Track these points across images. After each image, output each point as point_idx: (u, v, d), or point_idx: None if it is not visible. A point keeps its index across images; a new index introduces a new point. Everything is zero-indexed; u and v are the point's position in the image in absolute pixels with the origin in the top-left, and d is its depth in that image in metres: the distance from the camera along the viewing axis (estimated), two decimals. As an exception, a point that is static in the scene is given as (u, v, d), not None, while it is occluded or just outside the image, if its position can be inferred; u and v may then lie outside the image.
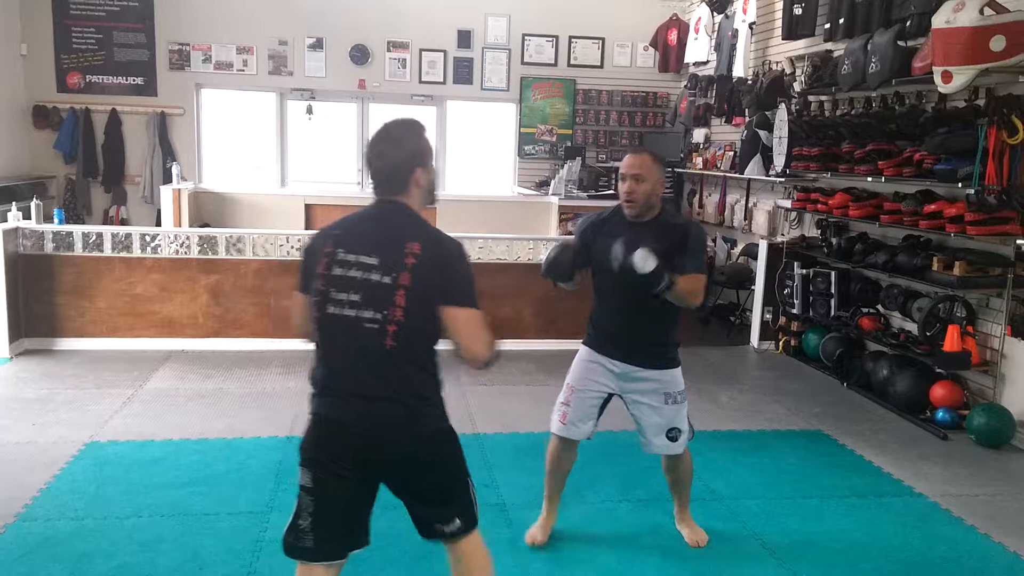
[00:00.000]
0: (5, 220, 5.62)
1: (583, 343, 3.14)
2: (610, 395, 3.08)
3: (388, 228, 2.11)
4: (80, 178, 8.52)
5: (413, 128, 2.18)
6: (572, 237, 3.18)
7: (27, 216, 5.68)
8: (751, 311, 6.75)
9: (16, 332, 5.52)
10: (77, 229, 5.69)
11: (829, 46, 6.05)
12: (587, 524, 3.39)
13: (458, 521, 2.20)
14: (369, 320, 2.05)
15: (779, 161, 6.37)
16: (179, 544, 3.09)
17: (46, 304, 5.63)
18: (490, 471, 3.84)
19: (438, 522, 2.20)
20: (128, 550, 3.04)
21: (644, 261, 2.70)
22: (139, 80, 8.62)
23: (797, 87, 6.43)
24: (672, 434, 3.05)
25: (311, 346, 2.18)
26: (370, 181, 2.19)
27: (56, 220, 5.89)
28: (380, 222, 2.14)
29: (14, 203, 5.92)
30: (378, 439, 2.09)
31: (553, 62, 9.25)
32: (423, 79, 9.06)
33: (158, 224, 8.03)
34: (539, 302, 6.08)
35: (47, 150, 8.47)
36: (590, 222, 3.08)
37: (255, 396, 4.87)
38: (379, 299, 2.05)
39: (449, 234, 2.18)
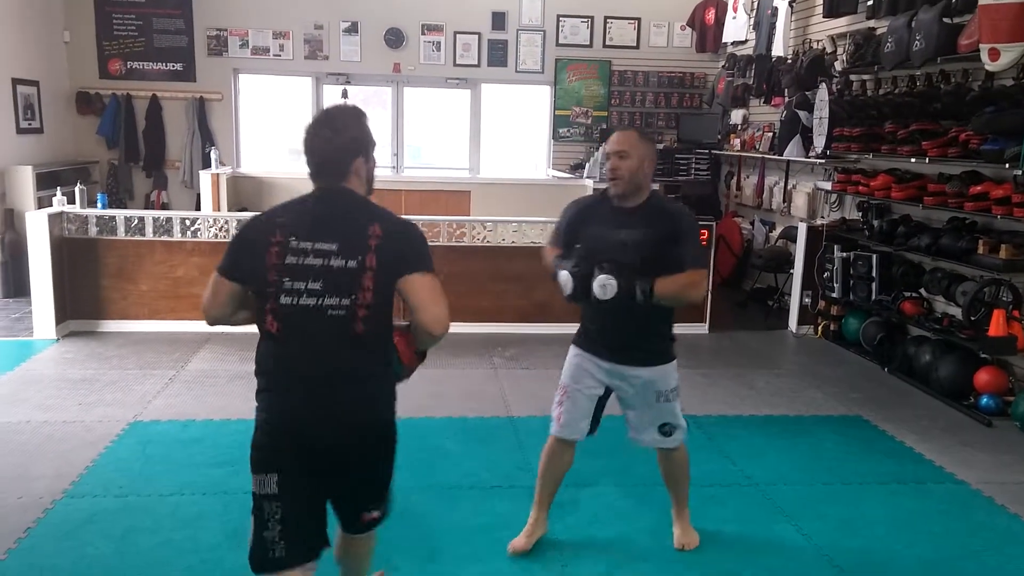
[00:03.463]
0: (51, 205, 5.76)
1: (573, 342, 3.00)
2: (607, 390, 2.93)
3: (344, 213, 2.03)
4: (122, 163, 8.68)
5: (357, 116, 2.10)
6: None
7: (71, 201, 5.82)
8: (789, 295, 6.66)
9: (62, 314, 5.66)
10: (120, 213, 5.80)
11: (872, 23, 5.90)
12: (622, 504, 3.39)
13: (377, 513, 2.19)
14: (334, 307, 1.97)
15: (819, 142, 6.26)
16: (221, 521, 3.16)
17: (90, 287, 5.75)
18: (524, 453, 3.84)
19: (365, 510, 2.17)
20: (171, 526, 3.12)
21: (604, 289, 2.59)
22: (178, 66, 8.73)
23: (838, 66, 6.30)
24: (665, 429, 2.89)
25: (260, 338, 2.05)
26: (307, 167, 2.07)
27: (99, 205, 6.01)
28: (332, 207, 2.04)
29: (59, 188, 6.04)
30: (343, 426, 2.02)
31: (588, 43, 9.16)
32: (457, 62, 9.04)
33: (197, 208, 8.15)
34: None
35: (90, 136, 8.64)
36: (577, 208, 2.93)
37: (293, 378, 4.93)
38: (345, 284, 1.97)
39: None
